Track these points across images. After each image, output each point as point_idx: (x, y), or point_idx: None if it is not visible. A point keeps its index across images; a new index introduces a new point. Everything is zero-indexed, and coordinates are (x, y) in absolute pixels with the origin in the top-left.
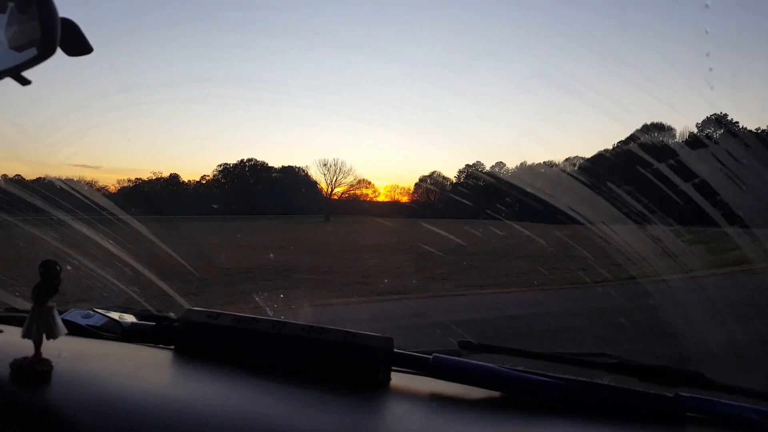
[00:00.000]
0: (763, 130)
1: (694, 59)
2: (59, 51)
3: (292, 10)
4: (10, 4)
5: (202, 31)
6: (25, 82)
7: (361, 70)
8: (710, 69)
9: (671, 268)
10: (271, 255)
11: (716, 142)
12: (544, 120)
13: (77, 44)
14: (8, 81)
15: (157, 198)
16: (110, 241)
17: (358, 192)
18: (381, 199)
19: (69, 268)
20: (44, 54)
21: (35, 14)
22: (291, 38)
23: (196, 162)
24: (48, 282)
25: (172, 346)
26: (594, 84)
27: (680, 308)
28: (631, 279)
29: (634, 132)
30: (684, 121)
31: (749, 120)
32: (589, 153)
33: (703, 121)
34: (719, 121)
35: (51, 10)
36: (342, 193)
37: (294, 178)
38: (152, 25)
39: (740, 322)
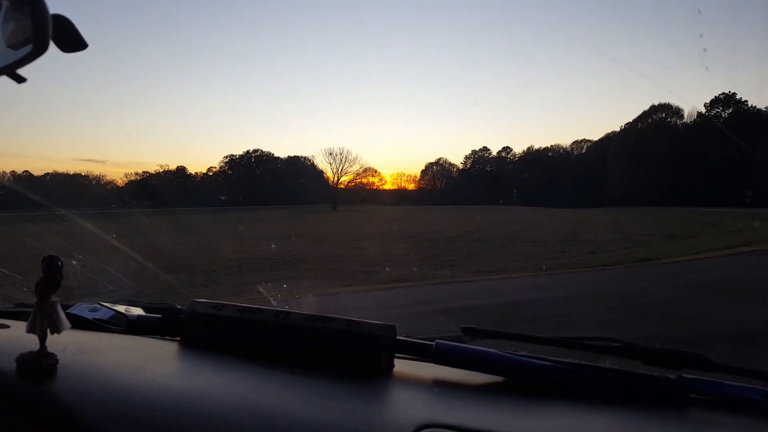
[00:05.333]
0: None
1: (693, 41)
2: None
3: (298, 3)
4: (5, 3)
5: (208, 23)
6: (20, 80)
7: (366, 59)
8: (704, 49)
9: (681, 250)
10: (278, 246)
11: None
12: (550, 104)
13: (71, 40)
14: (10, 79)
15: (165, 190)
16: (118, 235)
17: (364, 180)
18: (387, 186)
19: (74, 263)
20: (37, 51)
21: (29, 12)
22: (298, 30)
23: (203, 154)
24: (50, 277)
25: (178, 338)
26: (600, 66)
27: (690, 290)
28: (642, 261)
29: (642, 113)
30: (692, 102)
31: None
32: (596, 135)
33: (712, 101)
34: (728, 100)
35: (41, 6)
36: (348, 182)
37: (300, 168)
38: (158, 18)
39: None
